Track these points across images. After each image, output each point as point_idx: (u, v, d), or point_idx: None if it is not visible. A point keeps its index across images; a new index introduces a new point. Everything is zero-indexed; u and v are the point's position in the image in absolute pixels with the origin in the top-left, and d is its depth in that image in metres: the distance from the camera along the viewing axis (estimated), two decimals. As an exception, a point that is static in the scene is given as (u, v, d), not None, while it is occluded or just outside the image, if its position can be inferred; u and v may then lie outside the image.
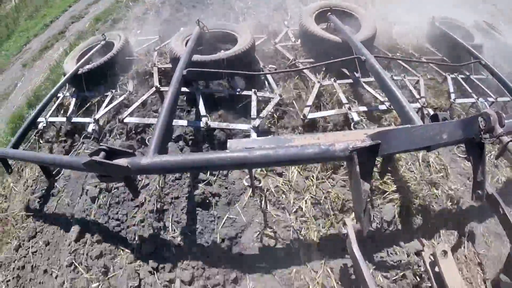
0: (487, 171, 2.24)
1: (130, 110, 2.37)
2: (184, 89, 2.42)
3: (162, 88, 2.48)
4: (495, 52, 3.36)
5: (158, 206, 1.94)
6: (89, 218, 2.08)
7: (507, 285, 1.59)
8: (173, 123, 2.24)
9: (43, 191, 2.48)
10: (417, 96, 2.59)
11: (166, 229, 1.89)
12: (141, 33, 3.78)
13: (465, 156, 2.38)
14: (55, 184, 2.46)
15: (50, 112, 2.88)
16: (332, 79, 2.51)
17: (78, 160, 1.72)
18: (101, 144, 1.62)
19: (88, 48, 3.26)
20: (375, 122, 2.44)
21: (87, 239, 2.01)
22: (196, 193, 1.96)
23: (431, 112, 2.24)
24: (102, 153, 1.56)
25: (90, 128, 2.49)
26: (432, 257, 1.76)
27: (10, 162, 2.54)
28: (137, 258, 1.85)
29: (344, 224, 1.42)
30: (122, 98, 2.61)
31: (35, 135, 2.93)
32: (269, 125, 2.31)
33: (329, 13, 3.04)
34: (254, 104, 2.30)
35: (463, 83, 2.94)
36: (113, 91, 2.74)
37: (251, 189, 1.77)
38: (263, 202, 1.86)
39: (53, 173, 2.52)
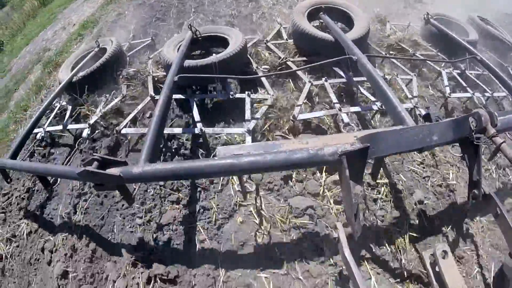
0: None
1: (126, 120, 2.37)
2: (178, 96, 2.42)
3: (158, 97, 2.47)
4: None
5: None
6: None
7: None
8: (168, 131, 2.26)
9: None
10: (409, 96, 2.56)
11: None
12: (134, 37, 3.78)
13: (461, 155, 2.36)
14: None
15: (48, 122, 2.90)
16: (323, 79, 2.49)
17: (72, 170, 1.74)
18: (94, 154, 1.63)
19: (82, 55, 3.28)
20: (367, 122, 2.42)
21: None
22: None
23: (423, 113, 2.22)
24: (95, 163, 1.59)
25: (85, 133, 2.51)
26: (432, 257, 1.76)
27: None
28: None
29: (335, 228, 1.42)
30: (115, 102, 2.62)
31: (33, 145, 2.97)
32: (266, 127, 2.29)
33: (322, 12, 3.02)
34: (248, 106, 2.29)
35: (458, 78, 2.92)
36: (107, 96, 2.74)
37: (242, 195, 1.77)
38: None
39: (51, 181, 2.54)
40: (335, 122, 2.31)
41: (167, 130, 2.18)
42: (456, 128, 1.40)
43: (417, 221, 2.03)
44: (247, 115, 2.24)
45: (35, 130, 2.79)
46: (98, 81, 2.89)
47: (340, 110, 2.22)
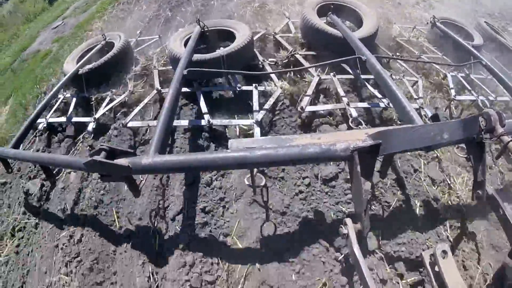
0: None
1: (133, 114, 2.36)
2: (185, 89, 2.42)
3: (164, 90, 2.48)
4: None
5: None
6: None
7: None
8: (175, 123, 2.24)
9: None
10: (415, 97, 2.59)
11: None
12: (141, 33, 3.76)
13: (466, 156, 2.39)
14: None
15: (50, 113, 2.88)
16: (332, 74, 2.51)
17: (79, 160, 1.73)
18: (101, 144, 1.62)
19: (88, 48, 3.26)
20: (374, 119, 2.43)
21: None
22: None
23: (429, 113, 2.24)
24: (103, 153, 1.57)
25: (90, 127, 2.49)
26: (432, 257, 1.77)
27: (10, 161, 2.54)
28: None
29: (345, 224, 1.43)
30: (122, 97, 2.60)
31: (35, 136, 2.94)
32: (273, 118, 2.30)
33: (330, 12, 3.04)
34: (255, 98, 2.30)
35: (463, 81, 2.95)
36: (113, 90, 2.73)
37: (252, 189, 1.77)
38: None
39: (54, 172, 2.52)
40: (343, 116, 2.32)
41: (175, 123, 2.18)
42: (465, 127, 1.42)
43: (418, 221, 2.05)
44: (255, 106, 2.24)
45: (38, 121, 2.76)
46: (104, 75, 2.87)
47: (348, 104, 2.24)
